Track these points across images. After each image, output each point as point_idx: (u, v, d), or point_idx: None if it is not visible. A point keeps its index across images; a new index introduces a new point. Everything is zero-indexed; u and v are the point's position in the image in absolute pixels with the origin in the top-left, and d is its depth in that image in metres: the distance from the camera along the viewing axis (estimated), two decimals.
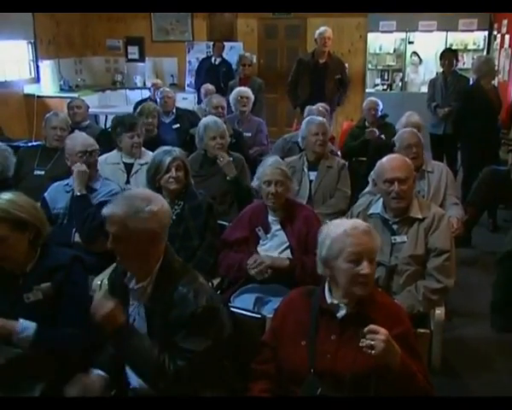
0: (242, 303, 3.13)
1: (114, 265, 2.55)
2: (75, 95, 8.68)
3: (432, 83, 7.25)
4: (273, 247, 3.46)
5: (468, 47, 9.77)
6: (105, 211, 2.24)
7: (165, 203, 2.35)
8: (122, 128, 4.57)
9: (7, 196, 2.52)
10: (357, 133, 6.21)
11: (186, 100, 9.80)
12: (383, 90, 10.21)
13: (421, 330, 2.89)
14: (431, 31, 9.70)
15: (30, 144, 5.80)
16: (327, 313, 2.27)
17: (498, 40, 8.94)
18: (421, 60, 10.08)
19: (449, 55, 7.06)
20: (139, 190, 2.57)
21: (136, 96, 9.77)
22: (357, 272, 2.18)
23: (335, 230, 2.26)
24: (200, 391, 2.24)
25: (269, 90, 8.91)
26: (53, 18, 9.97)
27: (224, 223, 3.81)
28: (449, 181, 4.29)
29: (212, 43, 9.67)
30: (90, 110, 6.54)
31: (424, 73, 10.02)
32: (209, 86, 7.35)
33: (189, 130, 5.78)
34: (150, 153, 4.50)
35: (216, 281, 3.44)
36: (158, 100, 6.43)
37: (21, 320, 2.41)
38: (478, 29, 9.57)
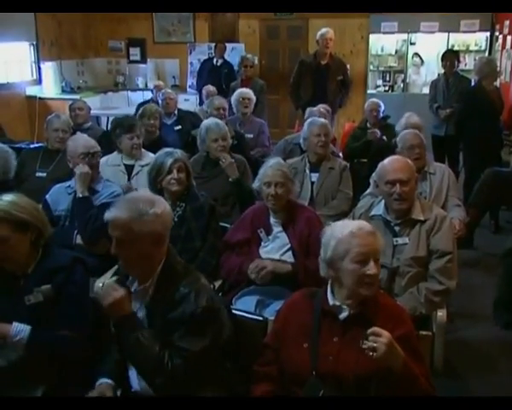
0: (244, 305, 3.13)
1: (116, 267, 2.55)
2: (77, 96, 8.71)
3: (433, 84, 7.25)
4: (275, 249, 3.46)
5: (470, 48, 9.76)
6: (108, 215, 2.24)
7: (167, 205, 2.37)
8: (121, 130, 4.58)
9: (8, 197, 2.53)
10: (359, 134, 6.20)
11: (188, 101, 9.80)
12: (385, 91, 10.21)
13: (424, 333, 2.88)
14: (433, 32, 9.70)
15: (32, 146, 5.80)
16: (329, 315, 2.27)
17: (500, 41, 8.93)
18: (422, 61, 10.08)
19: (450, 57, 7.06)
20: (141, 193, 2.57)
21: (138, 97, 9.79)
22: (363, 273, 2.18)
23: (341, 230, 2.26)
24: (198, 391, 2.25)
25: (271, 92, 8.90)
26: (55, 19, 9.98)
27: (226, 225, 3.81)
28: (451, 182, 4.29)
29: (213, 44, 9.68)
30: (91, 112, 6.56)
31: (426, 75, 10.01)
32: (211, 88, 7.36)
33: (190, 131, 5.78)
34: (151, 154, 4.51)
35: (218, 283, 3.44)
36: (160, 101, 6.44)
37: (15, 324, 2.41)
38: (480, 30, 9.55)
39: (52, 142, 4.87)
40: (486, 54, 9.35)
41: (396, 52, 10.19)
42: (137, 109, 6.32)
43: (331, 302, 2.28)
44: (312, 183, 4.50)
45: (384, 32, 9.94)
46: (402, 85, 10.19)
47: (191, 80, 10.70)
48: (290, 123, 9.41)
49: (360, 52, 10.29)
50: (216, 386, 2.33)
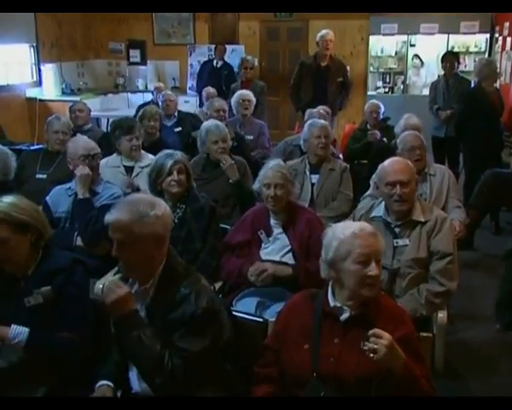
0: (244, 307, 3.13)
1: (116, 269, 2.55)
2: (77, 98, 8.70)
3: (433, 85, 7.26)
4: (275, 250, 3.46)
5: (470, 49, 9.76)
6: (108, 218, 2.24)
7: (167, 206, 2.38)
8: (120, 132, 4.58)
9: (8, 198, 2.54)
10: (359, 136, 6.20)
11: (188, 103, 9.80)
12: (385, 92, 10.21)
13: (424, 334, 2.88)
14: (432, 33, 9.70)
15: (32, 148, 5.80)
16: (330, 317, 2.27)
17: (500, 42, 8.93)
18: (422, 62, 10.08)
19: (450, 58, 7.06)
20: (140, 195, 2.58)
21: (138, 99, 9.78)
22: (365, 274, 2.19)
23: (343, 231, 2.26)
24: (197, 392, 2.25)
25: (271, 93, 8.90)
26: (55, 21, 9.98)
27: (227, 226, 3.81)
28: (451, 184, 4.28)
29: (213, 46, 9.68)
30: (92, 113, 6.57)
31: (426, 76, 10.01)
32: (211, 89, 7.37)
33: (190, 133, 5.79)
34: (150, 155, 4.53)
35: (218, 284, 3.44)
36: (160, 103, 6.44)
37: (14, 326, 2.41)
38: (479, 31, 9.56)
39: (52, 143, 4.87)
40: (486, 55, 9.36)
41: (396, 54, 10.20)
42: (137, 111, 6.33)
43: (332, 304, 2.28)
44: (313, 184, 4.50)
45: (384, 34, 9.94)
46: (402, 87, 10.19)
47: (191, 82, 10.70)
48: (290, 125, 9.41)
49: (360, 54, 10.30)
50: (215, 387, 2.33)
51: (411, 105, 8.20)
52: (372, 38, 10.08)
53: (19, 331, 2.40)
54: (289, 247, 3.42)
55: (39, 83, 9.86)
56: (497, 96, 6.29)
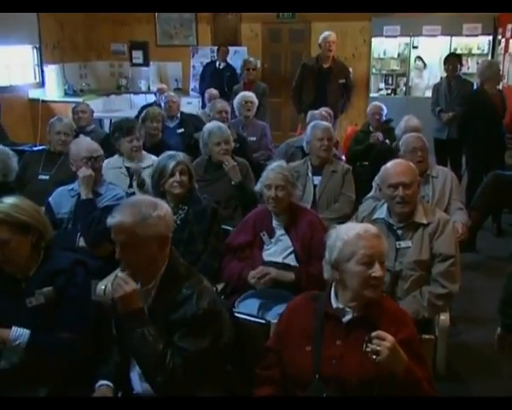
0: (246, 308, 3.13)
1: (118, 269, 2.56)
2: (80, 99, 8.70)
3: (436, 87, 7.26)
4: (277, 251, 3.46)
5: (473, 51, 9.75)
6: (111, 221, 2.25)
7: (168, 207, 2.40)
8: (120, 133, 4.59)
9: (9, 199, 2.54)
10: (362, 138, 6.20)
11: (190, 104, 9.80)
12: (387, 94, 10.19)
13: (426, 336, 2.88)
14: (435, 35, 9.69)
15: (34, 149, 5.81)
16: (332, 318, 2.27)
17: (503, 45, 8.93)
18: (425, 64, 10.08)
19: (453, 60, 7.06)
20: (141, 197, 2.59)
21: (141, 100, 9.79)
22: (369, 275, 2.19)
23: (347, 232, 2.26)
24: (197, 392, 2.25)
25: (273, 95, 8.91)
26: (57, 22, 10.00)
27: (229, 228, 3.81)
28: (453, 186, 4.28)
29: (216, 47, 9.69)
30: (94, 115, 6.57)
31: (428, 78, 10.00)
32: (213, 91, 7.37)
33: (193, 134, 5.80)
34: (152, 156, 4.54)
35: (220, 286, 3.44)
36: (162, 104, 6.44)
37: (15, 328, 2.42)
38: (482, 33, 9.54)
39: (55, 145, 4.88)
40: (489, 57, 9.35)
41: (398, 55, 10.18)
42: (140, 112, 6.32)
43: (334, 305, 2.29)
44: (315, 186, 4.50)
45: (386, 36, 9.93)
46: (404, 89, 10.18)
47: (194, 83, 10.70)
48: (292, 126, 9.41)
49: (362, 55, 10.29)
50: (215, 388, 2.34)
51: (414, 107, 8.17)
52: (374, 40, 10.06)
53: (20, 333, 2.41)
54: (292, 248, 3.42)
55: (42, 84, 9.88)
56: (499, 98, 6.29)
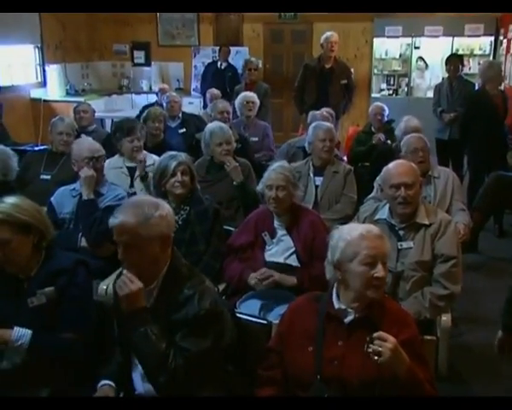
0: (248, 309, 3.13)
1: (120, 270, 2.56)
2: (81, 99, 8.70)
3: (437, 88, 7.25)
4: (279, 252, 3.46)
5: (475, 52, 9.76)
6: (113, 221, 2.24)
7: (169, 207, 2.40)
8: (121, 133, 4.59)
9: (10, 199, 2.55)
10: (364, 138, 6.19)
11: (192, 104, 9.79)
12: (389, 95, 10.20)
13: (428, 337, 2.87)
14: (437, 36, 9.70)
15: (36, 149, 5.82)
16: (334, 319, 2.27)
17: (504, 45, 8.93)
18: (427, 65, 10.08)
19: (454, 61, 7.05)
20: (143, 197, 2.60)
21: (143, 100, 9.79)
22: (371, 275, 2.19)
23: (349, 233, 2.26)
24: (199, 393, 2.25)
25: (275, 95, 8.91)
26: (59, 22, 10.00)
27: (231, 228, 3.81)
28: (455, 187, 4.27)
29: (218, 47, 9.68)
30: (96, 114, 6.58)
31: (430, 78, 10.01)
32: (215, 91, 7.37)
33: (194, 134, 5.80)
34: (153, 156, 4.53)
35: (222, 286, 3.45)
36: (164, 104, 6.44)
37: (16, 328, 2.42)
38: (484, 34, 9.55)
39: (56, 145, 4.88)
40: (491, 58, 9.35)
41: (400, 56, 10.19)
42: (142, 112, 6.32)
43: (336, 306, 2.29)
44: (316, 186, 4.49)
45: (388, 36, 9.95)
46: (406, 89, 10.19)
47: (195, 83, 10.70)
48: (294, 127, 9.41)
49: (364, 56, 10.30)
50: (217, 388, 2.34)
51: (415, 107, 8.18)
52: (376, 41, 10.07)
53: (22, 334, 2.41)
54: (293, 248, 3.42)
55: (44, 84, 9.89)
56: (501, 99, 6.28)
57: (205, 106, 8.20)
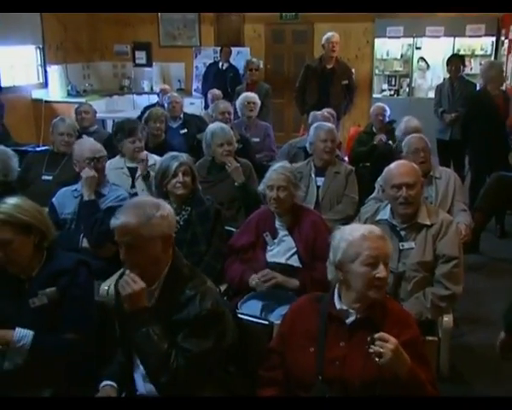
0: (250, 310, 3.13)
1: (121, 270, 2.56)
2: (83, 100, 8.72)
3: (439, 88, 7.25)
4: (280, 252, 3.46)
5: (476, 52, 9.76)
6: (115, 222, 2.25)
7: (170, 207, 2.41)
8: (122, 134, 4.59)
9: (11, 200, 2.55)
10: (365, 139, 6.18)
11: (193, 105, 9.80)
12: (390, 95, 10.20)
13: (430, 338, 2.87)
14: (438, 36, 9.69)
15: (38, 149, 5.82)
16: (336, 320, 2.27)
17: (506, 46, 8.92)
18: (428, 65, 10.08)
19: (456, 61, 7.05)
20: (143, 198, 2.60)
21: (144, 101, 9.79)
22: (373, 276, 2.19)
23: (351, 233, 2.27)
24: (200, 393, 2.25)
25: (276, 96, 8.91)
26: (61, 23, 10.01)
27: (232, 229, 3.81)
28: (457, 187, 4.27)
29: (219, 48, 9.69)
30: (97, 115, 6.58)
31: (431, 79, 10.01)
32: (216, 91, 7.37)
33: (196, 135, 5.79)
34: (155, 156, 4.53)
35: (223, 287, 3.44)
36: (166, 105, 6.45)
37: (18, 329, 2.42)
38: (485, 35, 9.55)
39: (58, 145, 4.88)
40: (492, 58, 9.34)
41: (401, 56, 10.19)
42: (143, 113, 6.33)
43: (338, 306, 2.28)
44: (318, 187, 4.48)
45: (389, 37, 9.95)
46: (407, 90, 10.19)
47: (196, 84, 10.70)
48: (295, 127, 9.41)
49: (365, 56, 10.29)
50: (219, 389, 2.34)
51: (417, 108, 8.19)
52: (377, 41, 10.07)
53: (23, 334, 2.41)
54: (295, 249, 3.42)
55: (45, 84, 9.91)
56: (502, 99, 6.27)
57: (206, 106, 8.20)
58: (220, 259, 3.54)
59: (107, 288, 3.33)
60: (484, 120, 6.03)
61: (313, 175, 4.53)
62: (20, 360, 2.43)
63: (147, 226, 2.22)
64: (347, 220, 3.98)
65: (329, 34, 7.25)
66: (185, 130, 6.29)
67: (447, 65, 7.13)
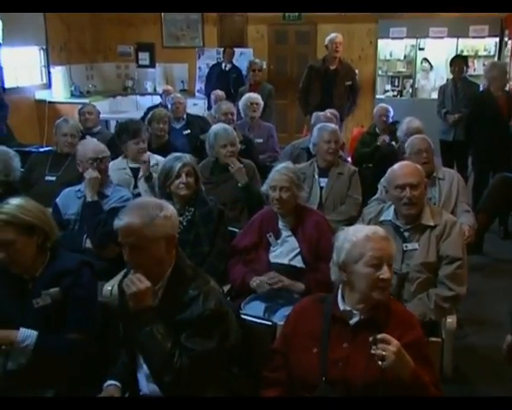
0: (253, 310, 3.13)
1: (125, 271, 2.56)
2: (86, 100, 8.73)
3: (442, 89, 7.25)
4: (284, 253, 3.46)
5: (479, 53, 9.75)
6: (118, 223, 2.25)
7: (173, 207, 2.41)
8: (126, 136, 4.58)
9: (15, 200, 2.56)
10: (368, 140, 6.18)
11: (196, 106, 9.81)
12: (393, 96, 10.19)
13: (433, 339, 2.87)
14: (442, 37, 9.69)
15: (41, 150, 5.83)
16: (339, 321, 2.26)
17: (509, 47, 8.92)
18: (431, 66, 10.07)
19: (459, 62, 7.05)
20: (146, 199, 2.61)
21: (147, 101, 9.81)
22: (377, 277, 2.19)
23: (355, 234, 2.26)
24: (203, 393, 2.26)
25: (279, 96, 8.92)
26: (64, 24, 10.03)
27: (235, 229, 3.81)
28: (460, 188, 4.26)
29: (222, 49, 9.70)
30: (100, 116, 6.58)
31: (435, 80, 10.00)
32: (219, 92, 7.38)
33: (199, 136, 5.80)
34: (157, 156, 4.53)
35: (226, 287, 3.44)
36: (169, 106, 6.45)
37: (22, 329, 2.42)
38: (489, 35, 9.53)
39: (61, 146, 4.89)
40: (495, 59, 9.33)
41: (405, 57, 10.19)
42: (146, 113, 6.34)
43: (341, 307, 2.28)
44: (321, 188, 4.48)
45: (393, 38, 9.94)
46: (411, 91, 10.18)
47: (200, 85, 10.72)
48: (298, 128, 9.41)
49: (369, 57, 10.29)
50: (222, 390, 2.34)
51: (420, 109, 8.18)
52: (381, 42, 10.07)
53: (27, 334, 2.42)
54: (298, 249, 3.41)
55: (49, 85, 9.92)
56: (505, 100, 6.26)
57: (209, 107, 8.21)
58: (223, 259, 3.54)
59: (110, 288, 3.33)
60: (487, 120, 6.03)
61: (316, 176, 4.53)
62: (23, 360, 2.44)
63: (150, 227, 2.22)
64: (351, 221, 3.98)
65: (333, 35, 7.25)
66: (188, 131, 6.29)
67: (450, 66, 7.12)
